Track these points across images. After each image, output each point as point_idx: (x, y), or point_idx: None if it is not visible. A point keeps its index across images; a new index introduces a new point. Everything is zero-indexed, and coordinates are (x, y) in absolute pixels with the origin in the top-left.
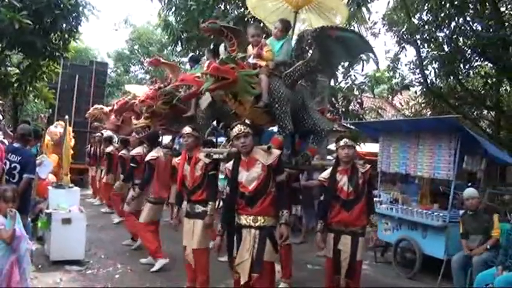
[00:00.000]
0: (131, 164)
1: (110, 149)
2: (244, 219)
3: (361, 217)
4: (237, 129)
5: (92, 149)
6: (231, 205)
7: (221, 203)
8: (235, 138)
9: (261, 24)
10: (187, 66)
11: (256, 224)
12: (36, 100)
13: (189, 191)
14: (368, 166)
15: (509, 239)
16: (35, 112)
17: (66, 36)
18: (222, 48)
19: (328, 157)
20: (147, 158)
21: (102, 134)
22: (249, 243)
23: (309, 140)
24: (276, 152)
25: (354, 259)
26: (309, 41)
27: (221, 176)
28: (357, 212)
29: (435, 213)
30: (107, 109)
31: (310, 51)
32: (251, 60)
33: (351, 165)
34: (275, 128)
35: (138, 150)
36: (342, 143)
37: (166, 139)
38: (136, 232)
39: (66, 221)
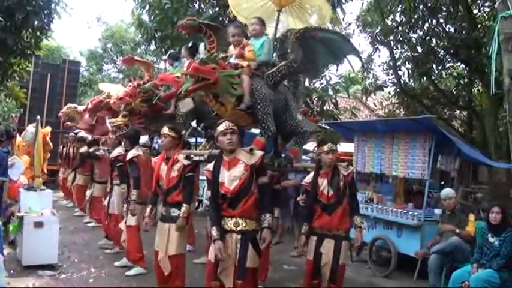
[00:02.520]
0: (119, 164)
1: (83, 149)
2: (226, 224)
3: (343, 220)
4: (225, 125)
5: (65, 149)
6: (216, 207)
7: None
8: (221, 134)
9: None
10: (161, 65)
11: (238, 229)
12: (7, 99)
13: (164, 192)
14: (351, 168)
15: (483, 237)
16: (6, 112)
17: (38, 33)
18: (201, 47)
19: (304, 157)
20: (130, 156)
21: (75, 134)
22: (231, 248)
23: (290, 141)
24: (259, 152)
25: (336, 263)
26: (292, 41)
27: (202, 178)
28: (339, 216)
29: (410, 213)
30: (80, 108)
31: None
32: (232, 61)
33: (332, 168)
34: (257, 130)
35: (119, 151)
36: (326, 148)
37: (142, 139)
38: (117, 236)
39: (38, 225)
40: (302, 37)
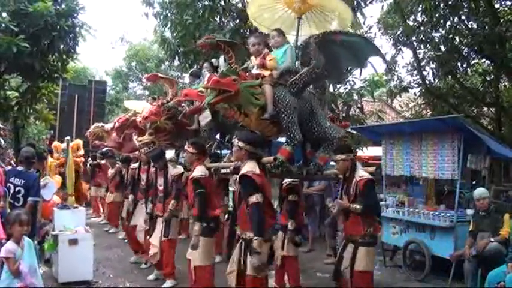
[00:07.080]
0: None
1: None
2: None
3: (355, 226)
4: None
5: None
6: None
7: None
8: None
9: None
10: (186, 80)
11: (241, 236)
12: (36, 122)
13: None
14: (362, 176)
15: None
16: (36, 134)
17: (64, 57)
18: (221, 60)
19: (332, 163)
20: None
21: (101, 154)
22: (236, 253)
23: (320, 148)
24: (241, 171)
25: (351, 268)
26: (313, 46)
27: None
28: (351, 220)
29: (442, 214)
30: (107, 127)
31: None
32: (254, 71)
33: (348, 175)
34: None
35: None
36: (337, 157)
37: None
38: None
39: (73, 242)
40: (323, 41)
